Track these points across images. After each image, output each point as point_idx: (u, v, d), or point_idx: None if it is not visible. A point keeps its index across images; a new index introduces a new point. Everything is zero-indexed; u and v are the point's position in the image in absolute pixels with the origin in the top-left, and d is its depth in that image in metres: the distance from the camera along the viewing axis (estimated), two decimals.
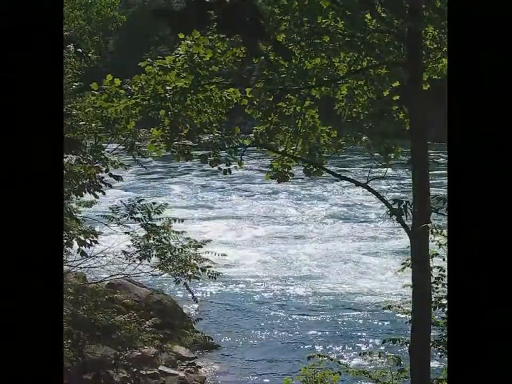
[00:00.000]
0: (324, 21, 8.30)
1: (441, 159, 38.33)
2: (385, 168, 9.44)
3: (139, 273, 14.24)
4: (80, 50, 11.93)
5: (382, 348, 12.93)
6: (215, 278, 14.08)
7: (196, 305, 18.48)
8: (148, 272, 14.11)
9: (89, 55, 13.63)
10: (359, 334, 17.58)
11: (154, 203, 13.84)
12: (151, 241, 13.50)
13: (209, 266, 13.75)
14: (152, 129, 9.23)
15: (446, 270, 9.14)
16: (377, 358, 10.34)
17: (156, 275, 14.24)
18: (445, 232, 8.48)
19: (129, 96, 8.93)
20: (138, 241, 13.56)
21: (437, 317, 9.45)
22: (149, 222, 13.49)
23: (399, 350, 10.93)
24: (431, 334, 8.59)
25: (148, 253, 13.42)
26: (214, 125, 9.30)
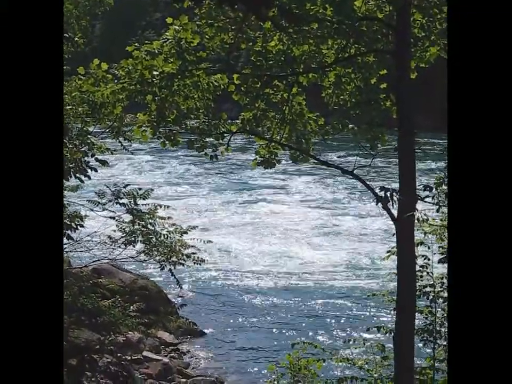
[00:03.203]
0: (312, 7, 8.27)
1: (428, 146, 38.43)
2: (372, 156, 9.43)
3: (124, 258, 14.22)
4: (67, 34, 11.85)
5: (366, 335, 12.97)
6: (200, 264, 14.07)
7: (180, 291, 18.47)
8: (132, 258, 14.09)
9: (76, 39, 13.55)
10: (343, 321, 17.63)
11: (140, 188, 13.78)
12: (137, 226, 13.46)
13: (194, 253, 13.73)
14: (138, 114, 9.19)
15: (431, 259, 9.22)
16: (361, 345, 10.37)
17: (141, 261, 14.21)
18: (430, 220, 8.51)
19: (116, 81, 8.88)
20: (123, 227, 13.53)
21: (422, 304, 9.48)
22: (134, 207, 13.44)
23: (383, 338, 10.96)
24: (415, 322, 8.61)
25: (133, 239, 13.39)
26: (201, 110, 9.28)
